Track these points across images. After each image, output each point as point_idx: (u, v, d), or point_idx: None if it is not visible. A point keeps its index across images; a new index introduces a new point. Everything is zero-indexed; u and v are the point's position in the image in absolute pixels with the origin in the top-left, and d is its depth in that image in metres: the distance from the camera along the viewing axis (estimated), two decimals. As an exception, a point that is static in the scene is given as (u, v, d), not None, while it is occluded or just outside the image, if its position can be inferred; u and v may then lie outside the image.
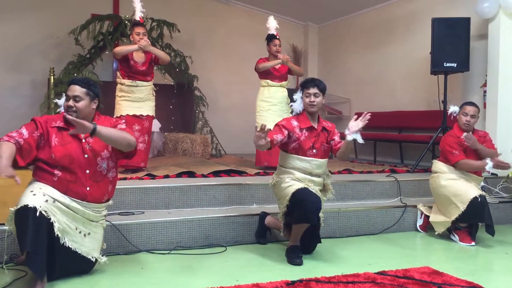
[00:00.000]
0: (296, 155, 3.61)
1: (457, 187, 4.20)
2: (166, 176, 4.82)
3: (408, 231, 4.61)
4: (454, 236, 4.27)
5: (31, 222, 2.70)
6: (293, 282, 3.00)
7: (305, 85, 3.68)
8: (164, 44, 7.81)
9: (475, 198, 4.07)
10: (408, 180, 5.19)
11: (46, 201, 2.80)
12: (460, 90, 6.58)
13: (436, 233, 4.37)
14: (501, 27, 5.75)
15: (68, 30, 7.27)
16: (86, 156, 3.01)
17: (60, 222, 2.84)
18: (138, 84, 5.14)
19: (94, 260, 3.08)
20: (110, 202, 3.27)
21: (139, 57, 5.16)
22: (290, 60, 5.94)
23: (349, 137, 3.45)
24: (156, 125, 7.13)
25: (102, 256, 3.15)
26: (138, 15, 5.32)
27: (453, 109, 4.39)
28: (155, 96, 5.40)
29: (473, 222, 4.24)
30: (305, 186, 3.52)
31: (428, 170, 5.45)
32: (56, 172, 2.94)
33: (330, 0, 8.36)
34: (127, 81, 5.10)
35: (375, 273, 3.22)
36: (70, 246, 2.90)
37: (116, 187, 4.08)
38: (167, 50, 7.72)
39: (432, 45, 5.92)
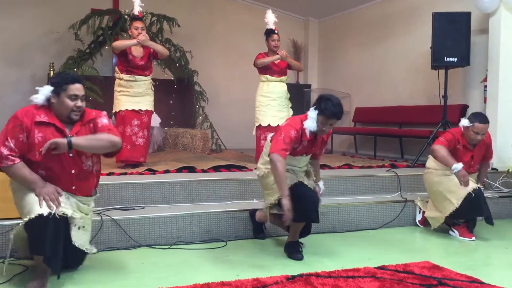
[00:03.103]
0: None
1: (451, 183, 4.17)
2: (166, 171, 4.82)
3: (408, 225, 4.61)
4: (454, 231, 4.27)
5: (50, 230, 2.68)
6: (293, 277, 3.00)
7: (327, 114, 3.34)
8: (164, 39, 7.81)
9: (469, 194, 4.05)
10: (408, 175, 5.19)
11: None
12: (460, 85, 6.57)
13: (432, 228, 4.38)
14: (502, 22, 5.73)
15: (68, 25, 7.26)
16: (70, 155, 2.87)
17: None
18: (137, 78, 5.13)
19: (85, 252, 3.02)
20: (98, 194, 3.21)
21: (137, 51, 5.15)
22: (289, 55, 5.93)
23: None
24: (156, 120, 7.13)
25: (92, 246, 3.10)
26: (136, 10, 5.31)
27: (463, 122, 4.21)
28: (155, 91, 5.40)
29: (472, 217, 4.24)
30: (299, 180, 3.49)
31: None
32: (40, 171, 2.84)
33: (331, -6, 8.35)
34: (125, 76, 5.10)
35: (375, 267, 3.23)
36: (72, 239, 2.88)
37: (116, 182, 4.12)
38: (167, 45, 7.71)
39: (433, 40, 5.90)
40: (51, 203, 2.73)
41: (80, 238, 2.96)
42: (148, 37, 5.10)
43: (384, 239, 4.14)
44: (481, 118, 4.19)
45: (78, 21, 7.25)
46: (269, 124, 5.54)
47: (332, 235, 4.16)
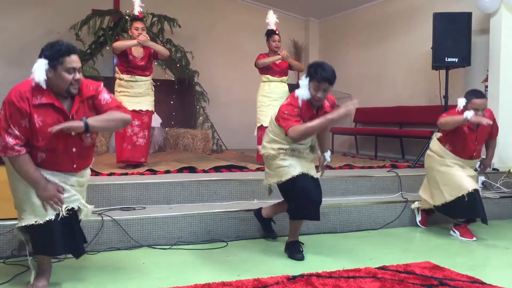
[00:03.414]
0: None
1: (450, 177, 4.16)
2: (167, 172, 4.82)
3: (409, 226, 4.61)
4: (455, 232, 4.27)
5: (58, 231, 2.72)
6: (294, 277, 3.00)
7: (316, 75, 3.32)
8: (165, 40, 7.81)
9: (467, 195, 4.04)
10: (409, 175, 5.18)
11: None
12: (461, 85, 6.56)
13: (412, 206, 4.50)
14: (502, 22, 5.73)
15: (68, 25, 7.27)
16: (72, 133, 2.74)
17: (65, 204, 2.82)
18: (137, 79, 5.13)
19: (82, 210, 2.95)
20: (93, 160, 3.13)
21: (138, 52, 5.15)
22: (290, 56, 5.93)
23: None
24: (157, 121, 7.13)
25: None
26: (137, 10, 5.32)
27: (461, 102, 4.15)
28: (156, 91, 5.40)
29: (469, 218, 4.23)
30: (305, 172, 3.44)
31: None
32: (40, 154, 2.74)
33: (331, -5, 8.35)
34: (126, 76, 5.10)
35: (376, 268, 3.23)
36: (80, 205, 2.88)
37: (117, 182, 4.13)
38: (168, 45, 7.71)
39: (434, 40, 5.91)
40: (56, 206, 2.72)
41: (83, 197, 2.95)
42: (148, 38, 5.11)
43: (385, 240, 4.13)
44: (477, 93, 4.13)
45: (79, 21, 7.25)
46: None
47: (333, 236, 4.16)
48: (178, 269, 3.21)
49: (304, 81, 3.40)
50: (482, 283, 2.97)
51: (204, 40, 8.84)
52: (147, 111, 5.21)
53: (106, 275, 3.06)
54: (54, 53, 2.67)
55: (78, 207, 2.87)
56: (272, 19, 5.75)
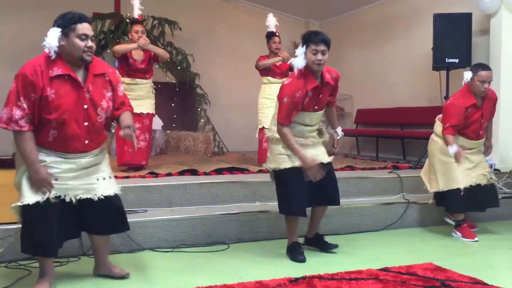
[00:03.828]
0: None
1: (449, 167, 4.18)
2: (169, 174, 4.82)
3: (411, 227, 4.61)
4: (456, 233, 4.27)
5: (52, 225, 2.75)
6: (296, 279, 3.00)
7: (312, 39, 3.34)
8: (166, 42, 7.82)
9: (457, 190, 4.11)
10: (411, 176, 5.17)
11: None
12: (462, 86, 6.55)
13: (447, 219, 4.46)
14: (503, 23, 5.73)
15: (69, 29, 7.28)
16: (85, 106, 2.78)
17: (73, 191, 2.82)
18: (138, 82, 5.14)
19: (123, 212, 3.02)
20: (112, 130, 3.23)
21: (138, 55, 5.17)
22: (290, 57, 5.93)
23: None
24: (158, 123, 7.14)
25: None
26: (136, 13, 5.33)
27: (467, 75, 4.16)
28: (156, 94, 5.41)
29: (462, 211, 4.27)
30: (293, 165, 3.42)
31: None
32: (52, 132, 2.74)
33: (331, -4, 8.36)
34: (126, 79, 5.10)
35: (378, 269, 3.23)
36: (107, 194, 2.89)
37: (119, 185, 4.09)
38: (169, 48, 7.72)
39: (434, 41, 5.90)
40: (44, 189, 2.71)
41: (110, 187, 2.96)
42: (148, 41, 5.12)
43: (387, 241, 4.13)
44: (483, 66, 4.18)
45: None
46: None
47: (334, 237, 4.15)
48: (180, 272, 3.22)
49: (299, 50, 3.41)
50: (485, 284, 2.96)
51: (205, 42, 8.85)
52: (148, 114, 5.21)
53: (108, 278, 3.06)
54: (66, 21, 2.73)
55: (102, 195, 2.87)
56: (272, 22, 5.75)
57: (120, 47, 5.14)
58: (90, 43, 2.75)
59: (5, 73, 7.46)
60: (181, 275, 3.14)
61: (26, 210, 2.72)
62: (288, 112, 3.39)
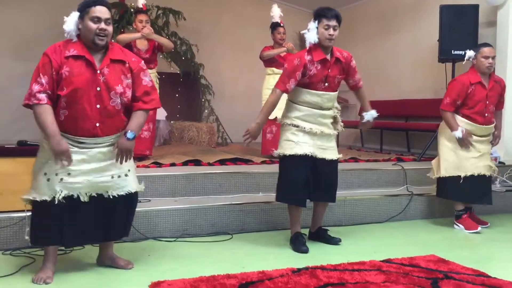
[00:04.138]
0: (306, 89, 3.46)
1: (454, 154, 4.18)
2: (172, 164, 4.83)
3: (414, 219, 4.61)
4: (458, 226, 4.27)
5: (56, 219, 2.76)
6: (299, 270, 3.01)
7: (325, 15, 3.40)
8: (170, 32, 7.79)
9: (464, 177, 4.12)
10: (415, 168, 5.17)
11: (61, 179, 2.76)
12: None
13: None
14: (510, 14, 5.69)
15: (74, 18, 7.27)
16: (98, 89, 2.79)
17: (85, 189, 2.80)
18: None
19: (136, 194, 3.02)
20: None
21: (142, 44, 5.16)
22: (295, 48, 5.90)
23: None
24: (162, 114, 7.14)
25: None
26: (141, 2, 5.32)
27: (469, 53, 4.22)
28: (161, 84, 5.40)
29: (459, 201, 4.28)
30: (309, 153, 3.43)
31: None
32: (62, 111, 2.77)
33: (337, -13, 8.29)
34: (130, 69, 5.10)
35: (381, 261, 3.23)
36: (119, 194, 2.88)
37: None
38: (173, 38, 7.70)
39: (440, 33, 5.86)
40: (64, 163, 2.71)
41: (129, 184, 2.94)
42: (152, 30, 5.10)
43: (390, 233, 4.13)
44: (484, 43, 4.26)
45: (84, 14, 7.25)
46: (276, 117, 5.52)
47: (338, 229, 4.15)
48: (183, 261, 3.23)
49: (311, 25, 3.45)
50: (487, 276, 2.96)
51: (210, 33, 8.81)
52: (152, 104, 5.20)
53: (112, 267, 3.07)
54: (83, 5, 2.82)
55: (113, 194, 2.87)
56: (276, 13, 5.73)
57: (124, 37, 5.14)
58: (103, 25, 2.78)
59: (10, 62, 7.50)
60: (184, 265, 3.15)
61: (34, 204, 2.78)
62: (283, 77, 3.44)
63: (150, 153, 5.26)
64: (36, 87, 2.70)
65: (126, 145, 2.84)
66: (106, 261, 3.06)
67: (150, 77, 3.02)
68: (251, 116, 7.63)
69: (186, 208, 3.91)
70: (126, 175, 2.94)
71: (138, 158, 5.12)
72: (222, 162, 5.08)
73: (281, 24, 5.68)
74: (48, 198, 2.74)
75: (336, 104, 3.66)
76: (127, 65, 2.91)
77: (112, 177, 2.88)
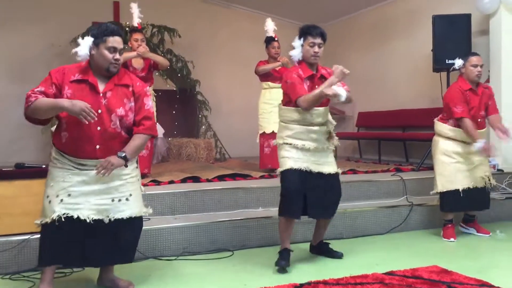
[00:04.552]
0: (294, 107, 3.45)
1: (448, 169, 4.19)
2: (171, 182, 4.81)
3: (415, 230, 4.59)
4: (468, 229, 4.34)
5: (56, 239, 2.77)
6: (301, 285, 2.99)
7: (310, 32, 3.45)
8: (165, 50, 7.82)
9: (457, 191, 4.13)
10: (414, 178, 5.17)
11: (61, 200, 2.77)
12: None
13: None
14: (502, 23, 5.73)
15: (69, 38, 7.27)
16: (99, 111, 2.80)
17: (85, 210, 2.80)
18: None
19: (140, 218, 3.00)
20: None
21: (138, 63, 5.17)
22: (290, 62, 5.93)
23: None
24: (159, 131, 7.13)
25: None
26: (136, 21, 5.34)
27: (458, 62, 4.29)
28: (157, 101, 5.41)
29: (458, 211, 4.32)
30: (303, 168, 3.40)
31: (433, 168, 5.42)
32: (63, 133, 2.82)
33: (330, 0, 8.35)
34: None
35: (383, 273, 3.21)
36: (119, 218, 2.85)
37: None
38: (169, 55, 7.72)
39: (434, 43, 5.90)
40: (91, 115, 2.68)
41: (130, 207, 2.92)
42: (147, 49, 5.12)
43: (392, 244, 4.11)
44: (472, 53, 4.39)
45: (79, 34, 7.28)
46: (273, 131, 5.53)
47: (339, 242, 4.13)
48: (184, 280, 3.20)
49: (296, 43, 3.51)
50: (490, 285, 2.95)
51: (205, 49, 8.85)
52: (149, 122, 5.20)
53: None
54: (100, 32, 2.85)
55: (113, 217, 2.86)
56: (270, 27, 5.76)
57: (120, 56, 5.15)
58: (117, 56, 2.86)
59: (7, 84, 7.51)
60: (185, 283, 3.13)
61: (42, 227, 2.83)
62: (297, 86, 3.41)
63: (149, 171, 5.25)
64: (30, 92, 2.76)
65: (112, 159, 2.77)
66: (107, 283, 3.04)
67: (152, 103, 3.07)
68: (248, 131, 7.74)
69: (186, 225, 3.89)
70: (127, 199, 2.92)
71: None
72: (221, 178, 5.08)
73: (276, 39, 5.71)
74: (48, 220, 2.74)
75: (330, 119, 3.64)
76: (131, 88, 2.94)
77: (113, 200, 2.87)
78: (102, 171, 2.73)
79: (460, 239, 4.24)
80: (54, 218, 2.72)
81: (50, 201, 2.78)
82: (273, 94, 5.69)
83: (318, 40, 3.45)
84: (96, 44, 2.83)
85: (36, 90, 2.78)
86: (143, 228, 3.68)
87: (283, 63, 5.65)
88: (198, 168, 5.87)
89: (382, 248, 4.00)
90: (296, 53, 3.51)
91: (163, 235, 3.78)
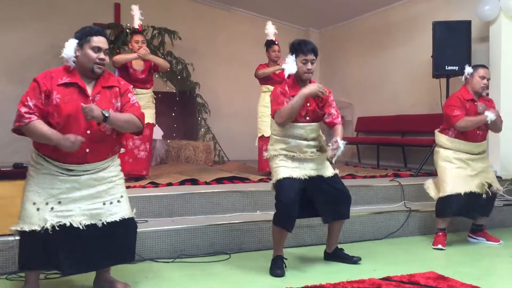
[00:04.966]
0: (290, 123, 3.45)
1: (449, 172, 4.18)
2: (169, 184, 4.81)
3: (413, 235, 4.59)
4: (477, 239, 4.36)
5: (40, 245, 2.73)
6: (297, 289, 2.99)
7: (302, 49, 3.43)
8: (166, 52, 7.84)
9: (457, 195, 4.11)
10: (412, 184, 5.16)
11: (52, 208, 2.74)
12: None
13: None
14: (502, 30, 5.75)
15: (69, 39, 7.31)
16: (87, 118, 2.73)
17: (77, 217, 2.77)
18: (138, 92, 5.14)
19: (133, 218, 2.99)
20: (122, 150, 3.12)
21: (138, 65, 5.18)
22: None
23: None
24: (158, 133, 7.13)
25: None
26: (136, 23, 5.36)
27: (468, 70, 4.27)
28: (157, 103, 5.41)
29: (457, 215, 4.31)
30: (295, 176, 3.40)
31: (432, 174, 5.44)
32: None
33: (331, 5, 8.38)
34: (126, 89, 5.10)
35: (380, 279, 3.21)
36: (112, 220, 2.84)
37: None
38: (169, 57, 7.74)
39: (434, 49, 5.92)
40: (77, 144, 2.68)
41: (123, 209, 2.91)
42: (148, 51, 5.13)
43: (389, 250, 4.11)
44: (481, 65, 4.34)
45: (80, 35, 7.29)
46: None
47: (336, 246, 4.13)
48: (181, 282, 3.20)
49: (289, 58, 3.48)
50: (487, 293, 2.94)
51: (205, 51, 8.87)
52: (148, 123, 5.19)
53: (109, 289, 3.04)
54: (84, 33, 2.86)
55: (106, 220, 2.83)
56: (271, 30, 5.77)
57: (120, 57, 5.16)
58: (102, 55, 2.84)
59: (5, 84, 7.51)
60: (182, 286, 3.12)
61: (23, 234, 2.75)
62: (277, 100, 3.44)
63: (147, 173, 5.25)
64: (24, 109, 2.72)
65: (94, 107, 2.69)
66: (103, 284, 3.03)
67: (136, 98, 3.06)
68: (247, 134, 7.74)
69: (184, 228, 3.89)
70: (118, 201, 2.92)
71: (135, 178, 5.11)
72: (219, 181, 5.07)
73: (276, 42, 5.72)
74: (38, 228, 2.70)
75: (320, 133, 3.63)
76: (117, 89, 2.95)
77: (104, 203, 2.86)
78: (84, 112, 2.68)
79: (457, 246, 4.24)
80: (47, 227, 2.69)
81: (38, 209, 2.73)
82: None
83: (311, 57, 3.44)
84: (80, 46, 2.83)
85: (28, 104, 2.72)
86: (141, 230, 3.71)
87: (283, 66, 5.64)
88: (197, 171, 5.87)
89: (379, 253, 4.00)
90: (291, 68, 3.47)
91: (161, 237, 3.77)
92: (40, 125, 2.71)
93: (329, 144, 3.37)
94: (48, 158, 2.79)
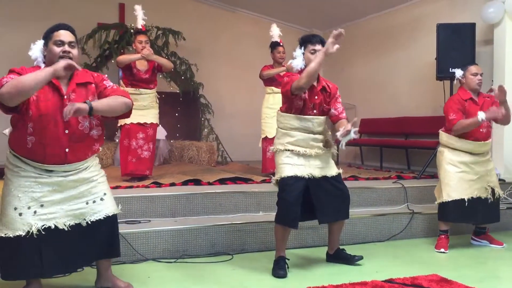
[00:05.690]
0: (297, 115, 3.46)
1: (453, 176, 4.16)
2: (172, 184, 4.81)
3: (416, 238, 4.58)
4: (481, 242, 4.34)
5: (28, 251, 2.68)
6: (300, 291, 2.98)
7: (310, 40, 3.50)
8: (170, 52, 7.85)
9: (461, 200, 4.10)
10: (415, 186, 5.15)
11: (35, 212, 2.70)
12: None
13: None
14: (506, 32, 5.73)
15: (74, 39, 7.34)
16: (66, 119, 2.64)
17: (61, 218, 2.75)
18: (142, 92, 5.16)
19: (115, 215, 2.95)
20: (101, 148, 3.05)
21: (142, 65, 5.19)
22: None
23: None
24: (162, 133, 7.15)
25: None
26: (140, 23, 5.36)
27: (458, 73, 4.32)
28: (161, 103, 5.43)
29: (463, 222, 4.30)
30: (295, 174, 3.38)
31: (435, 176, 5.42)
32: (29, 138, 2.67)
33: (335, 6, 8.38)
34: (130, 89, 5.09)
35: (382, 281, 3.20)
36: (96, 219, 2.83)
37: (122, 195, 4.11)
38: (173, 58, 7.76)
39: (438, 51, 5.90)
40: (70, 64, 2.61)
41: (107, 206, 2.90)
42: (152, 51, 5.14)
43: (392, 252, 4.11)
44: (470, 63, 4.40)
45: (84, 35, 7.31)
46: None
47: (338, 248, 4.13)
48: (183, 283, 3.20)
49: (297, 52, 3.54)
50: (490, 296, 2.93)
51: (209, 52, 8.88)
52: (151, 123, 5.22)
53: (111, 289, 3.04)
54: (47, 32, 2.85)
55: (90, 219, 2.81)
56: (275, 32, 5.78)
57: (124, 57, 5.17)
58: (66, 47, 2.76)
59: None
60: (184, 286, 3.12)
61: (5, 240, 2.68)
62: (292, 80, 3.37)
63: (150, 173, 5.25)
64: (4, 79, 2.58)
65: (78, 104, 2.61)
66: (105, 284, 3.03)
67: (112, 83, 2.96)
68: (250, 135, 7.75)
69: (186, 228, 3.89)
70: (101, 199, 2.90)
71: (138, 178, 5.12)
72: (222, 181, 5.07)
73: (281, 44, 5.72)
74: (22, 233, 2.65)
75: (326, 127, 3.63)
76: (92, 85, 2.88)
77: (87, 203, 2.84)
78: (66, 113, 2.56)
79: (461, 249, 4.23)
80: (32, 232, 2.65)
81: (21, 213, 2.68)
82: (276, 99, 5.69)
83: (319, 47, 3.45)
84: (46, 45, 2.81)
85: (6, 76, 2.60)
86: (144, 230, 3.73)
87: (288, 68, 5.65)
88: (200, 171, 5.88)
89: (382, 255, 3.99)
90: (298, 62, 3.52)
91: (163, 237, 3.78)
92: (25, 76, 2.56)
93: (337, 133, 3.38)
94: (25, 159, 2.72)
